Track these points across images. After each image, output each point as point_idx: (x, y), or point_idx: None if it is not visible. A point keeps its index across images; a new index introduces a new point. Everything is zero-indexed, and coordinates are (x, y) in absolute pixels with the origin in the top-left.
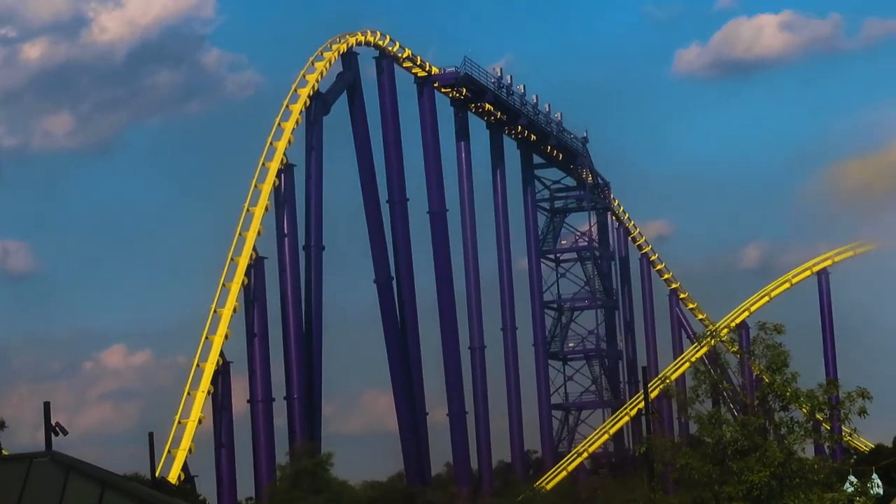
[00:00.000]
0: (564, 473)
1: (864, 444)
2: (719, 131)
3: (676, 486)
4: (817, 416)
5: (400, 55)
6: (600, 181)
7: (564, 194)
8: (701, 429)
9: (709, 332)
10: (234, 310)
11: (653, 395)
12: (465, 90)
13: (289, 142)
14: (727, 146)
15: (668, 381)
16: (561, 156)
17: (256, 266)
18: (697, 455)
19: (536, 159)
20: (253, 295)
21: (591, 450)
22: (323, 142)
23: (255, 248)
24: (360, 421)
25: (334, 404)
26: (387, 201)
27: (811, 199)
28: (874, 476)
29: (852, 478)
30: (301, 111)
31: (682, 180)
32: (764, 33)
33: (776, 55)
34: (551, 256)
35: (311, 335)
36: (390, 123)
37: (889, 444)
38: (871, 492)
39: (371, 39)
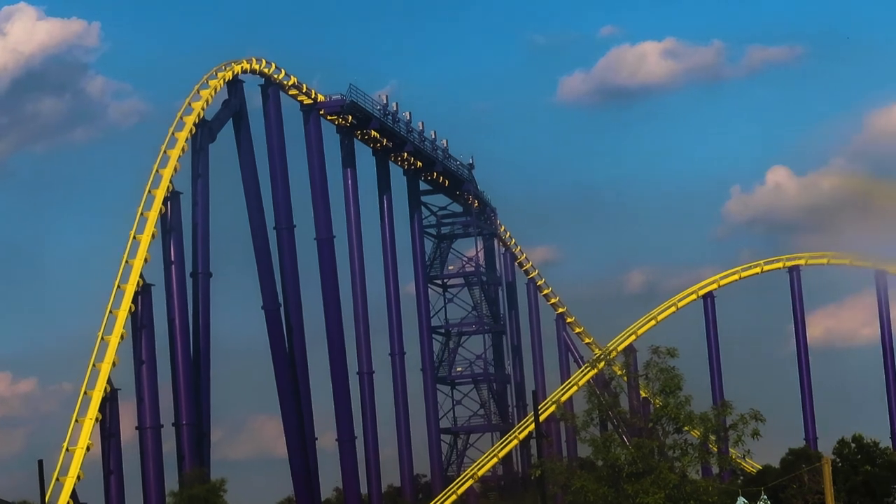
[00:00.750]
0: (454, 497)
1: (751, 465)
2: (604, 157)
3: None
4: (711, 438)
5: (286, 82)
6: (486, 207)
7: (451, 220)
8: (595, 452)
9: (600, 355)
10: (122, 337)
11: (542, 418)
12: (350, 117)
13: (175, 169)
14: (612, 172)
15: (559, 404)
16: (447, 182)
17: (143, 293)
18: (592, 478)
19: (423, 185)
20: (140, 322)
21: (480, 473)
22: (209, 169)
23: (142, 276)
24: (248, 447)
25: (223, 430)
26: (273, 228)
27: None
28: (763, 497)
29: (742, 499)
30: (187, 139)
31: (568, 206)
32: (647, 60)
33: (659, 82)
34: (438, 282)
35: (199, 361)
36: (276, 151)
37: (776, 464)
38: None
39: (256, 67)
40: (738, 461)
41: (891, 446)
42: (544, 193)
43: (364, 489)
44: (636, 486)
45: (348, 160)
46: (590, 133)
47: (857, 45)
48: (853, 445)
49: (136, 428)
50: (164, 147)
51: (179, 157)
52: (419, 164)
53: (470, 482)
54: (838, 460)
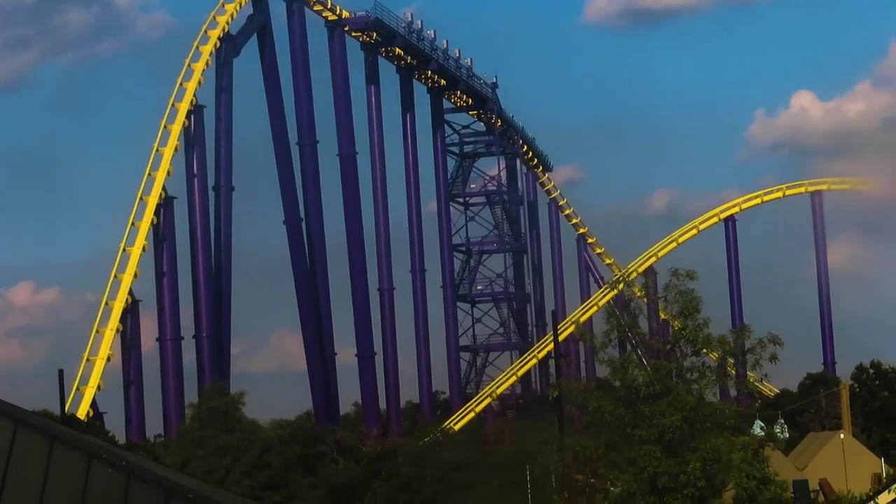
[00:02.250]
0: (472, 414)
1: (769, 389)
2: (629, 80)
3: (586, 428)
4: (729, 361)
5: None
6: (509, 126)
7: (474, 139)
8: (613, 373)
9: (619, 277)
10: (144, 249)
11: (561, 338)
12: (375, 34)
13: (199, 83)
14: (636, 94)
15: (578, 324)
16: (471, 101)
17: (166, 206)
18: (610, 399)
19: (446, 104)
20: (162, 234)
21: (498, 391)
22: (233, 83)
23: (164, 188)
24: (268, 360)
25: (243, 343)
26: (296, 143)
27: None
28: (780, 421)
29: (760, 422)
30: (211, 53)
31: (592, 127)
32: None
33: (686, 4)
34: (460, 200)
35: (220, 275)
36: (300, 66)
37: (794, 389)
38: (779, 436)
39: None
40: (756, 385)
41: None
42: (568, 114)
43: (383, 405)
44: (653, 407)
45: (372, 77)
46: (615, 55)
47: None
48: (871, 371)
49: (157, 339)
50: (188, 60)
51: (204, 70)
52: (443, 82)
53: (488, 400)
54: (856, 386)
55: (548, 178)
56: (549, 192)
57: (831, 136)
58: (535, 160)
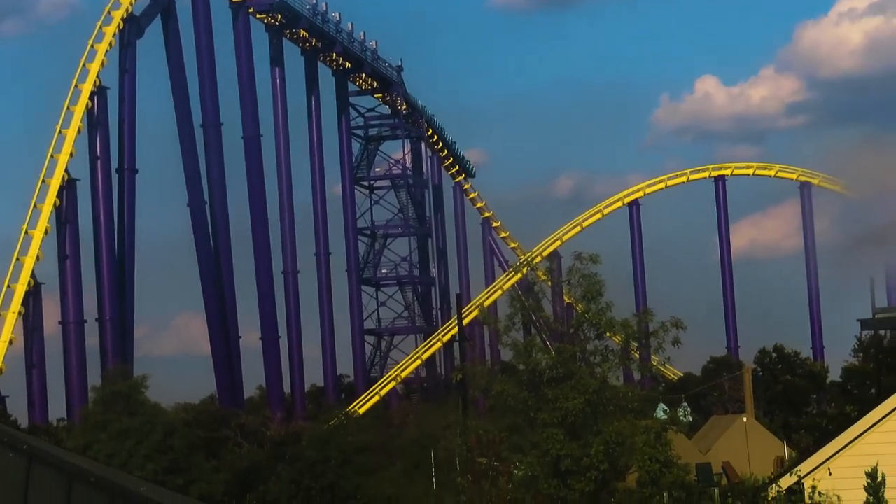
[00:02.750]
0: (377, 398)
1: (672, 372)
2: (534, 63)
3: (490, 412)
4: (633, 345)
5: None
6: (414, 109)
7: (379, 122)
8: (516, 356)
9: (524, 260)
10: (46, 231)
11: (465, 321)
12: (280, 16)
13: (102, 64)
14: (541, 77)
15: (481, 308)
16: (375, 84)
17: (68, 188)
18: (513, 382)
19: (351, 87)
20: (65, 217)
21: (403, 375)
22: (137, 65)
23: (67, 170)
24: (172, 343)
25: (147, 327)
26: (200, 125)
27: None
28: (684, 404)
29: (663, 406)
30: (115, 33)
31: (497, 110)
32: None
33: None
34: (365, 183)
35: (123, 257)
36: (204, 48)
37: (697, 373)
38: (683, 419)
39: None
40: (660, 369)
41: (811, 357)
42: (473, 98)
43: (287, 388)
44: (556, 390)
45: (276, 59)
46: (520, 37)
47: None
48: (774, 355)
49: (60, 323)
50: (91, 41)
51: (107, 51)
52: (348, 64)
53: (393, 384)
54: (759, 369)
55: (452, 161)
56: (453, 177)
57: (735, 120)
58: (452, 159)
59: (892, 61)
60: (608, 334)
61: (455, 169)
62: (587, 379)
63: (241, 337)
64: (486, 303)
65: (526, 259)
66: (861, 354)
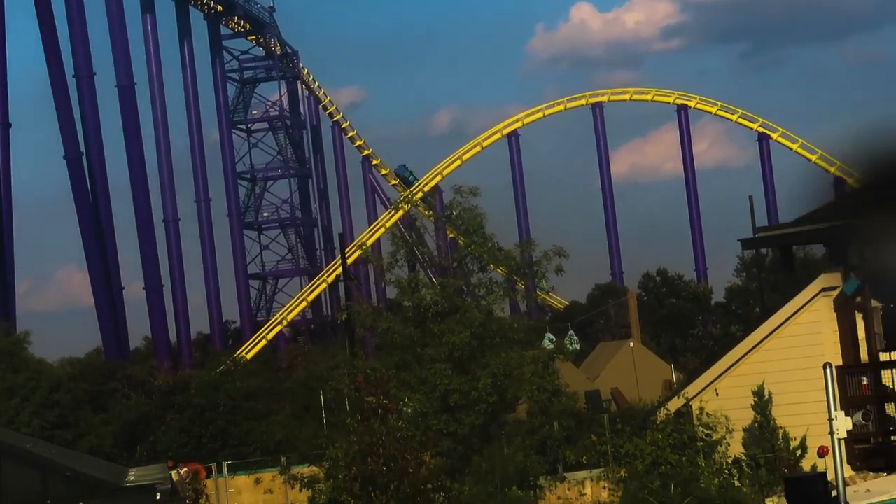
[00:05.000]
0: (264, 342)
1: (559, 301)
2: None
3: (377, 350)
4: (515, 276)
5: None
6: (288, 50)
7: (253, 65)
8: (401, 293)
9: (404, 196)
10: None
11: (349, 261)
12: None
13: None
14: (415, 13)
15: (364, 247)
16: (248, 26)
17: None
18: (398, 319)
19: (224, 30)
20: None
21: (289, 318)
22: (4, 17)
23: None
24: (55, 298)
25: (28, 282)
26: (73, 76)
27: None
28: (570, 332)
29: (550, 335)
30: None
31: (373, 48)
32: None
33: None
34: (242, 127)
35: (0, 213)
36: None
37: (583, 301)
38: (570, 348)
39: None
40: (546, 298)
41: (695, 279)
42: (348, 35)
43: (173, 337)
44: (442, 325)
45: (147, 6)
46: None
47: None
48: (658, 279)
49: None
50: None
51: None
52: (219, 8)
53: (279, 327)
54: (643, 294)
55: (330, 100)
56: (331, 115)
57: (611, 47)
58: (317, 83)
59: None
60: (491, 266)
61: (333, 108)
62: (473, 312)
63: (123, 288)
64: (370, 241)
65: (407, 195)
66: (744, 274)
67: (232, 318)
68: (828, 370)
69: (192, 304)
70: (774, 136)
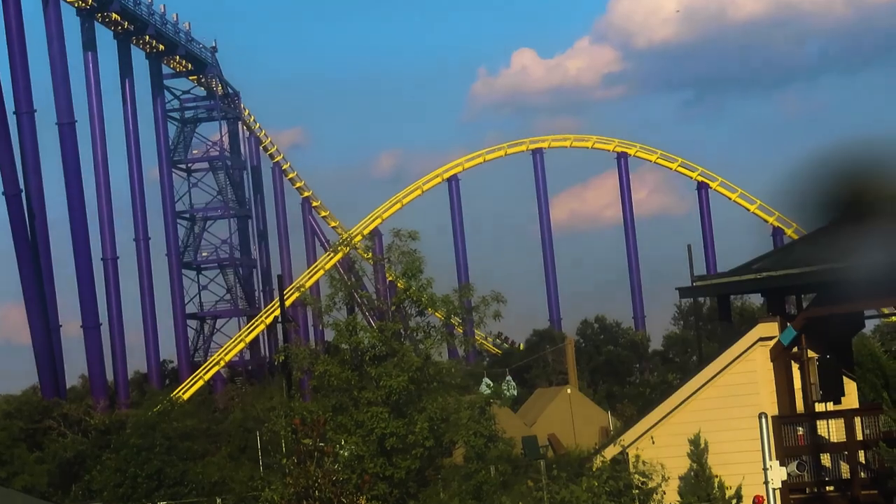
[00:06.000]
0: (201, 382)
1: (497, 347)
2: (352, 39)
3: (314, 392)
4: (455, 320)
5: None
6: (230, 91)
7: (194, 104)
8: (338, 336)
9: (344, 239)
10: None
11: (288, 302)
12: (91, 0)
13: None
14: (360, 54)
15: (303, 288)
16: (190, 66)
17: None
18: (336, 362)
19: (166, 70)
20: None
21: (227, 358)
22: None
23: None
24: None
25: None
26: (14, 112)
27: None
28: (508, 378)
29: (487, 380)
30: None
31: (316, 90)
32: None
33: None
34: (183, 166)
35: None
36: (15, 33)
37: (521, 346)
38: (507, 393)
39: None
40: (484, 343)
41: (633, 326)
42: (291, 77)
43: (110, 376)
44: (379, 368)
45: (89, 44)
46: (338, 14)
47: None
48: (596, 326)
49: None
50: None
51: None
52: (161, 47)
53: (217, 367)
54: (581, 340)
55: (270, 141)
56: (272, 156)
57: (553, 93)
58: (258, 123)
59: (705, 29)
60: (430, 310)
61: (274, 149)
62: (411, 356)
63: (61, 325)
64: (308, 283)
65: (346, 238)
66: (681, 322)
67: (169, 358)
68: (763, 420)
69: (130, 342)
70: (713, 185)
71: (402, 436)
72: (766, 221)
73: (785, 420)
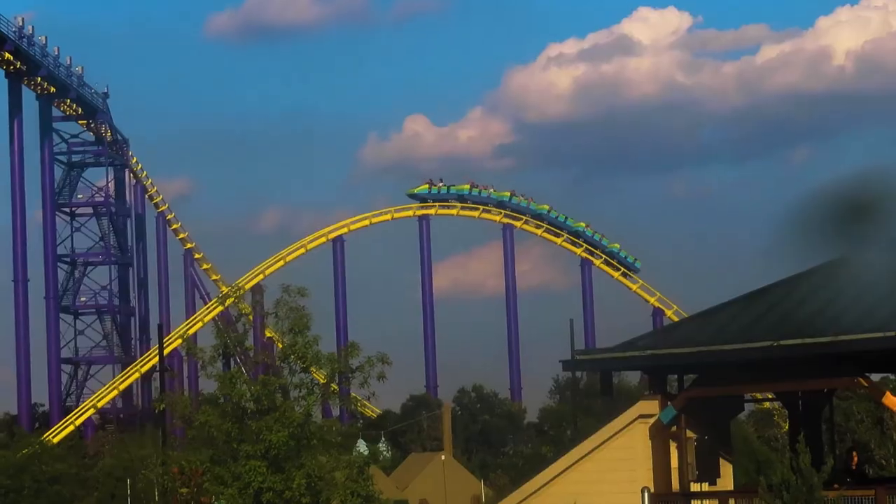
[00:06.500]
0: (72, 427)
1: (371, 409)
2: (246, 95)
3: (191, 442)
4: (334, 380)
5: None
6: (119, 137)
7: (83, 149)
8: (221, 387)
9: (228, 292)
10: None
11: (165, 352)
12: None
13: None
14: (252, 111)
15: (186, 337)
16: (80, 110)
17: None
18: (217, 413)
19: (55, 112)
20: None
21: (99, 405)
22: None
23: None
24: None
25: None
26: None
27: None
28: (383, 441)
29: (363, 441)
30: None
31: (206, 141)
32: (296, 1)
33: (306, 23)
34: (67, 210)
35: None
36: None
37: (397, 410)
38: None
39: None
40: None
41: (510, 397)
42: (182, 127)
43: None
44: (260, 422)
45: None
46: (232, 71)
47: (503, 4)
48: (473, 395)
49: None
50: None
51: None
52: (52, 89)
53: (88, 413)
54: (458, 408)
55: (156, 190)
56: (157, 206)
57: (443, 160)
58: (145, 172)
59: (598, 106)
60: (313, 368)
61: (160, 198)
62: (293, 412)
63: None
64: (188, 333)
65: (232, 290)
66: (558, 396)
67: (41, 401)
68: (645, 495)
69: (2, 383)
70: (597, 262)
71: (280, 491)
72: (648, 301)
73: (661, 498)
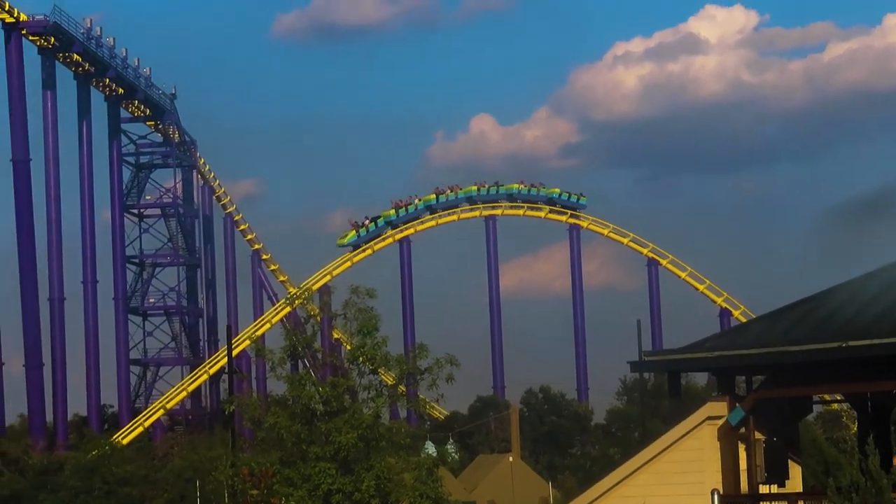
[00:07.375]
0: (141, 429)
1: (439, 411)
2: (314, 96)
3: (260, 444)
4: (403, 381)
5: None
6: (187, 138)
7: (151, 150)
8: (290, 389)
9: (296, 293)
10: None
11: (234, 353)
12: (53, 39)
13: None
14: (321, 110)
15: (254, 339)
16: (148, 111)
17: None
18: (286, 415)
19: (124, 114)
20: None
21: (168, 406)
22: None
23: None
24: None
25: None
26: None
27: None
28: (451, 442)
29: (430, 443)
30: None
31: (276, 142)
32: (363, 2)
33: (373, 23)
34: (135, 211)
35: None
36: None
37: (464, 411)
38: (452, 457)
39: None
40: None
41: (577, 398)
42: (252, 128)
43: (49, 417)
44: (329, 424)
45: (49, 82)
46: (301, 71)
47: (568, 3)
48: (541, 396)
49: None
50: None
51: None
52: (121, 90)
53: (157, 415)
54: (525, 409)
55: (224, 192)
56: (225, 207)
57: (509, 160)
58: (213, 173)
59: (664, 106)
60: (381, 370)
61: (227, 199)
62: (362, 413)
63: (3, 364)
64: (255, 335)
65: (300, 291)
66: (625, 397)
67: (110, 402)
68: (715, 497)
69: (72, 385)
70: (664, 262)
71: (349, 493)
72: (715, 302)
73: (729, 499)
